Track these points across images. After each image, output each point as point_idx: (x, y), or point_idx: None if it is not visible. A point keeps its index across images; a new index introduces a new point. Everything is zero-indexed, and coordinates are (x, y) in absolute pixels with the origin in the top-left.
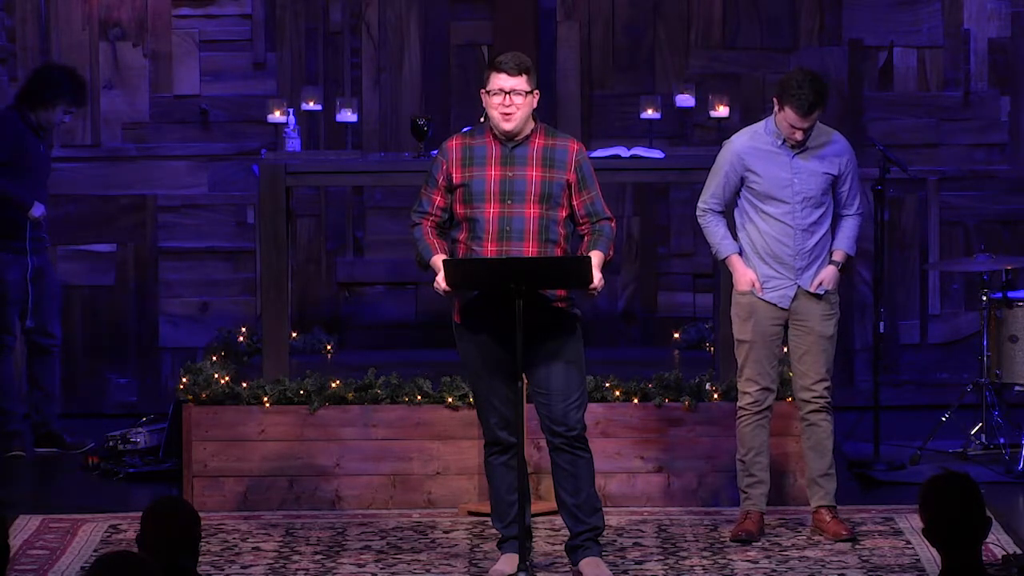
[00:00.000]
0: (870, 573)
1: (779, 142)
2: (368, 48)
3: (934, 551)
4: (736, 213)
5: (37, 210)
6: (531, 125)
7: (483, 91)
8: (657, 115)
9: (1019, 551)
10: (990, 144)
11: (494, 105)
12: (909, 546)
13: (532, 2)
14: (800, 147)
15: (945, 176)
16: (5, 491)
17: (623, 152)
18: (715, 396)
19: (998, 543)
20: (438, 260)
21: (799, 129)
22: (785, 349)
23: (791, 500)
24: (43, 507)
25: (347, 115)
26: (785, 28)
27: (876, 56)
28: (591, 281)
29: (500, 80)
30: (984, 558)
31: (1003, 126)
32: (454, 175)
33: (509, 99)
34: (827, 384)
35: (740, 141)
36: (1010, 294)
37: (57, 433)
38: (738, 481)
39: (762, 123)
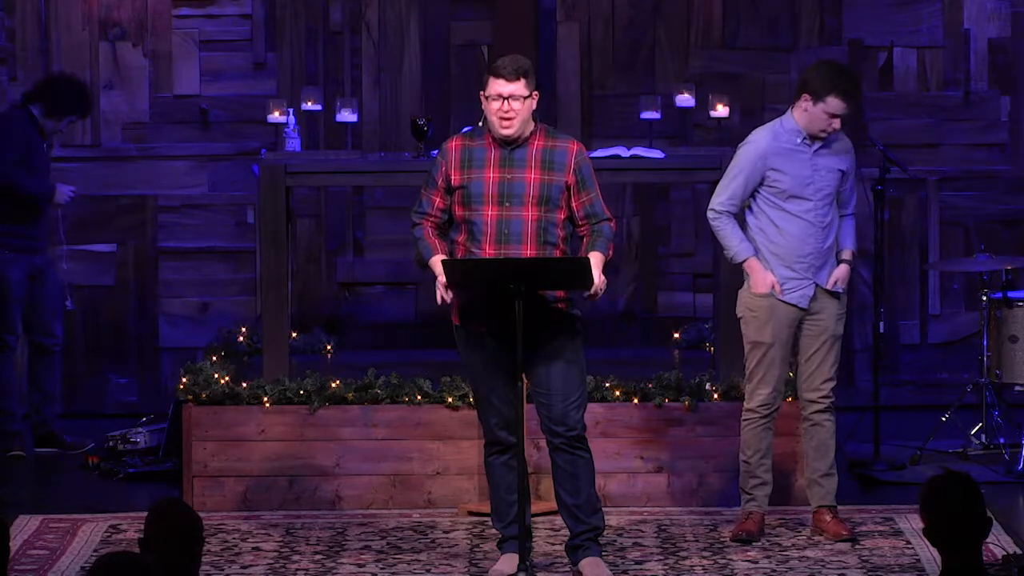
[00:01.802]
0: (870, 573)
1: (798, 140)
2: (368, 48)
3: (934, 551)
4: (748, 215)
5: (63, 195)
6: (531, 126)
7: (482, 94)
8: (657, 115)
9: (1019, 551)
10: (990, 144)
11: (492, 110)
12: (909, 546)
13: (532, 2)
14: (820, 143)
15: (945, 176)
16: (5, 491)
17: (623, 152)
18: (715, 396)
19: (998, 543)
20: (437, 261)
21: (840, 117)
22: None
23: (792, 500)
24: (43, 507)
25: (347, 115)
26: (785, 28)
27: (876, 56)
28: (591, 282)
29: (498, 86)
30: (984, 558)
31: (1003, 126)
32: (453, 177)
33: (507, 104)
34: (833, 384)
35: (764, 141)
36: (1010, 294)
37: (57, 433)
38: (741, 482)
39: (777, 122)
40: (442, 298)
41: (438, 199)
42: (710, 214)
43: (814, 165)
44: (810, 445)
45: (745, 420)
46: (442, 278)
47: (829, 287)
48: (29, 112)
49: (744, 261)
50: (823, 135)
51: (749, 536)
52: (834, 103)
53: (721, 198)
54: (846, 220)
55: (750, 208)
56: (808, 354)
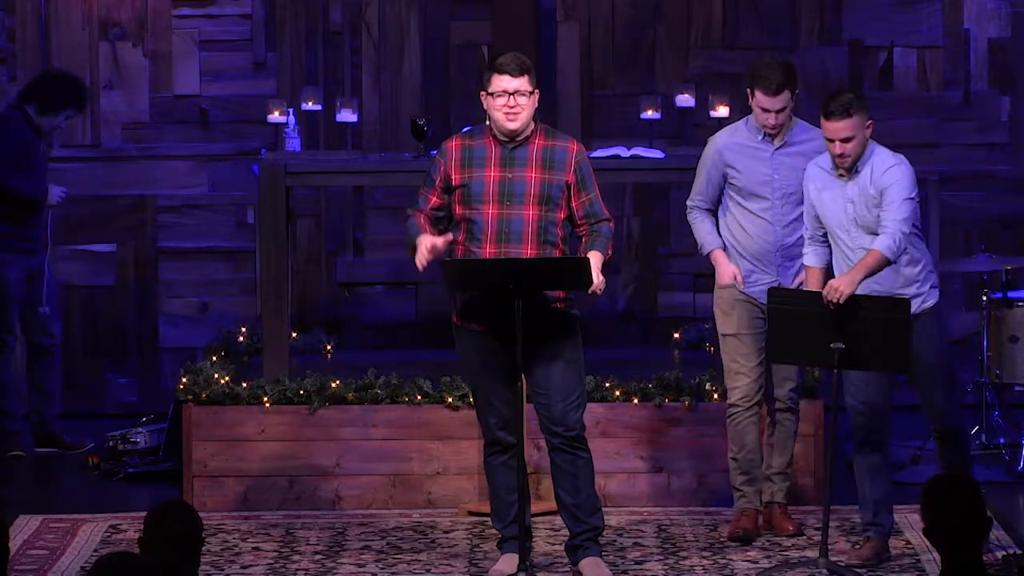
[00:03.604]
0: (870, 573)
1: (759, 137)
2: (368, 48)
3: (934, 551)
4: (720, 210)
5: (54, 196)
6: (532, 126)
7: (484, 93)
8: (657, 115)
9: (1019, 551)
10: (990, 144)
11: (497, 107)
12: (909, 546)
13: (532, 2)
14: (779, 138)
15: (945, 176)
16: (5, 491)
17: (623, 152)
18: (715, 396)
19: (998, 543)
20: (425, 238)
21: (771, 112)
22: None
23: (792, 500)
24: (43, 507)
25: (347, 115)
26: (785, 28)
27: (876, 56)
28: (590, 282)
29: (503, 82)
30: (984, 558)
31: (1003, 126)
32: (453, 176)
33: (514, 100)
34: (793, 384)
35: (721, 139)
36: (1010, 294)
37: (57, 433)
38: (731, 479)
39: (743, 120)
40: (423, 265)
41: (435, 198)
42: (686, 209)
43: (775, 163)
44: (770, 442)
45: (728, 416)
46: (423, 251)
47: (792, 287)
48: (24, 112)
49: (709, 253)
50: (770, 131)
51: (746, 534)
52: (759, 97)
53: (692, 194)
54: None
55: (722, 203)
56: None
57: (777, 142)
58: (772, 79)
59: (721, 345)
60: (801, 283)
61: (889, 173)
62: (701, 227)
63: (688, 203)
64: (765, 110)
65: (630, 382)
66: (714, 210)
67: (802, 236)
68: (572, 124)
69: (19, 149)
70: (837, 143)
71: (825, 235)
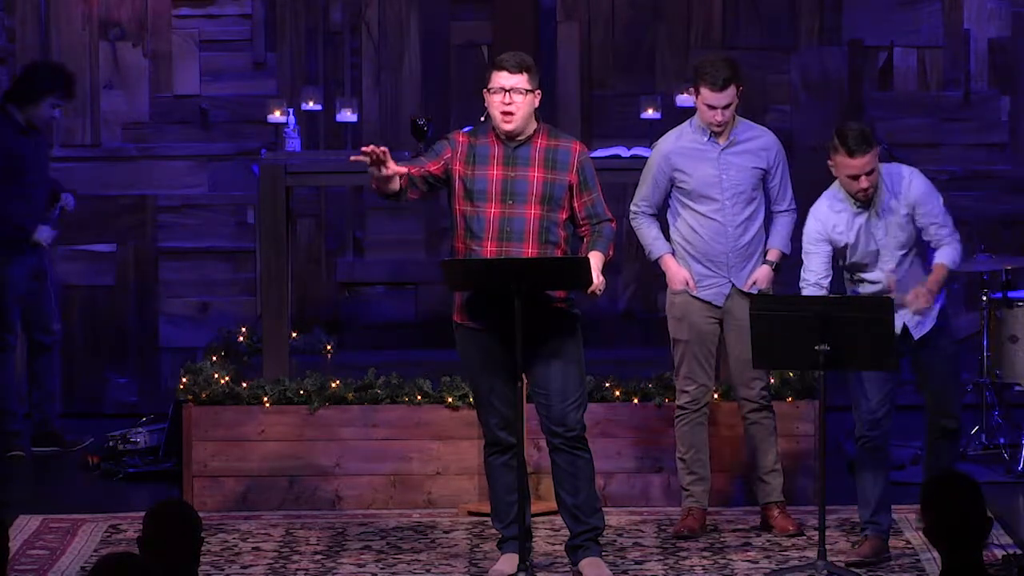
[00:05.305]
0: (870, 573)
1: (705, 138)
2: (368, 48)
3: (934, 551)
4: (668, 214)
5: (42, 234)
6: (533, 125)
7: (485, 90)
8: (657, 115)
9: (1019, 551)
10: (990, 144)
11: (495, 104)
12: (909, 546)
13: (532, 2)
14: (724, 137)
15: (945, 176)
16: (5, 491)
17: (623, 152)
18: (715, 396)
19: (998, 543)
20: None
21: (717, 108)
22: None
23: (792, 500)
24: (43, 507)
25: (347, 115)
26: (785, 28)
27: (876, 56)
28: (590, 282)
29: (501, 78)
30: (984, 558)
31: (1003, 126)
32: (457, 168)
33: (509, 97)
34: (763, 383)
35: (667, 143)
36: (1010, 294)
37: (57, 432)
38: (679, 479)
39: (687, 123)
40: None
41: (432, 166)
42: (629, 214)
43: (722, 164)
44: (751, 444)
45: (676, 417)
46: (388, 170)
47: (745, 288)
48: (6, 112)
49: (659, 258)
50: (715, 128)
51: (691, 533)
52: (705, 93)
53: (636, 199)
54: (779, 218)
55: (670, 207)
56: (734, 355)
57: (723, 141)
58: (718, 74)
59: (672, 348)
60: (754, 283)
61: (914, 186)
62: (648, 232)
63: (632, 208)
64: (711, 107)
65: (630, 382)
66: (658, 215)
67: (754, 236)
68: (572, 124)
69: (4, 152)
70: (862, 178)
71: (829, 277)
